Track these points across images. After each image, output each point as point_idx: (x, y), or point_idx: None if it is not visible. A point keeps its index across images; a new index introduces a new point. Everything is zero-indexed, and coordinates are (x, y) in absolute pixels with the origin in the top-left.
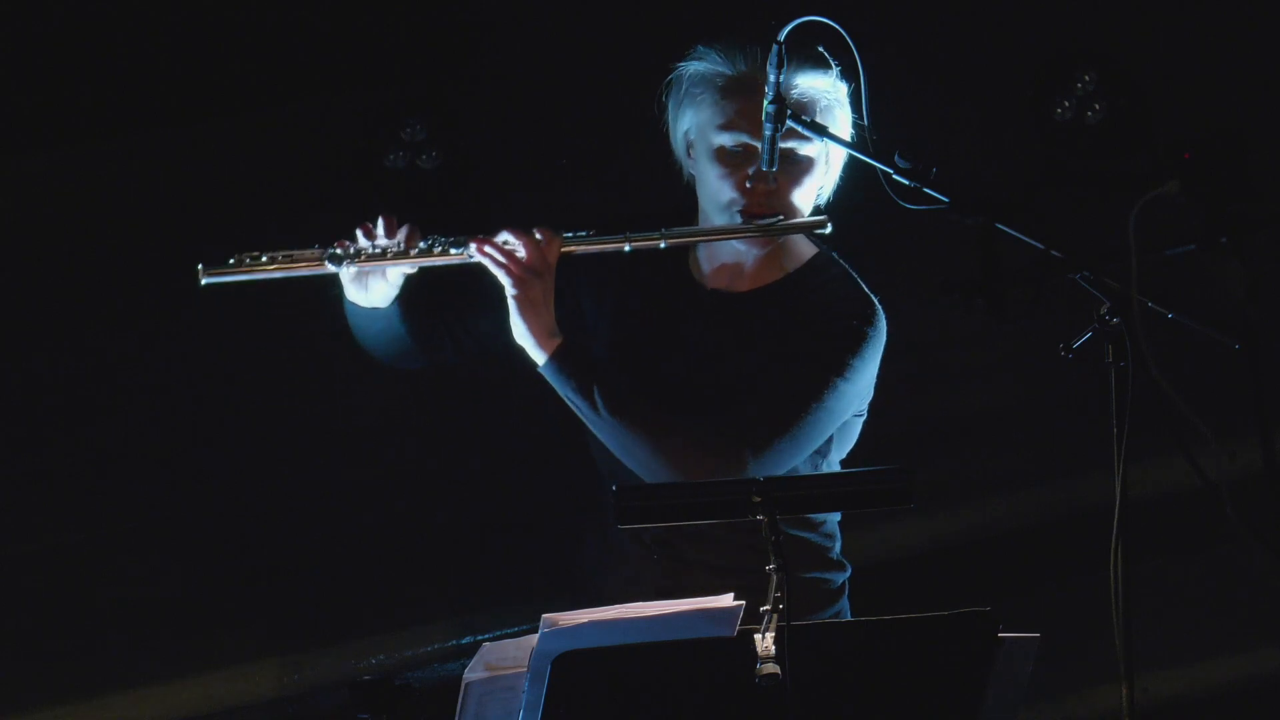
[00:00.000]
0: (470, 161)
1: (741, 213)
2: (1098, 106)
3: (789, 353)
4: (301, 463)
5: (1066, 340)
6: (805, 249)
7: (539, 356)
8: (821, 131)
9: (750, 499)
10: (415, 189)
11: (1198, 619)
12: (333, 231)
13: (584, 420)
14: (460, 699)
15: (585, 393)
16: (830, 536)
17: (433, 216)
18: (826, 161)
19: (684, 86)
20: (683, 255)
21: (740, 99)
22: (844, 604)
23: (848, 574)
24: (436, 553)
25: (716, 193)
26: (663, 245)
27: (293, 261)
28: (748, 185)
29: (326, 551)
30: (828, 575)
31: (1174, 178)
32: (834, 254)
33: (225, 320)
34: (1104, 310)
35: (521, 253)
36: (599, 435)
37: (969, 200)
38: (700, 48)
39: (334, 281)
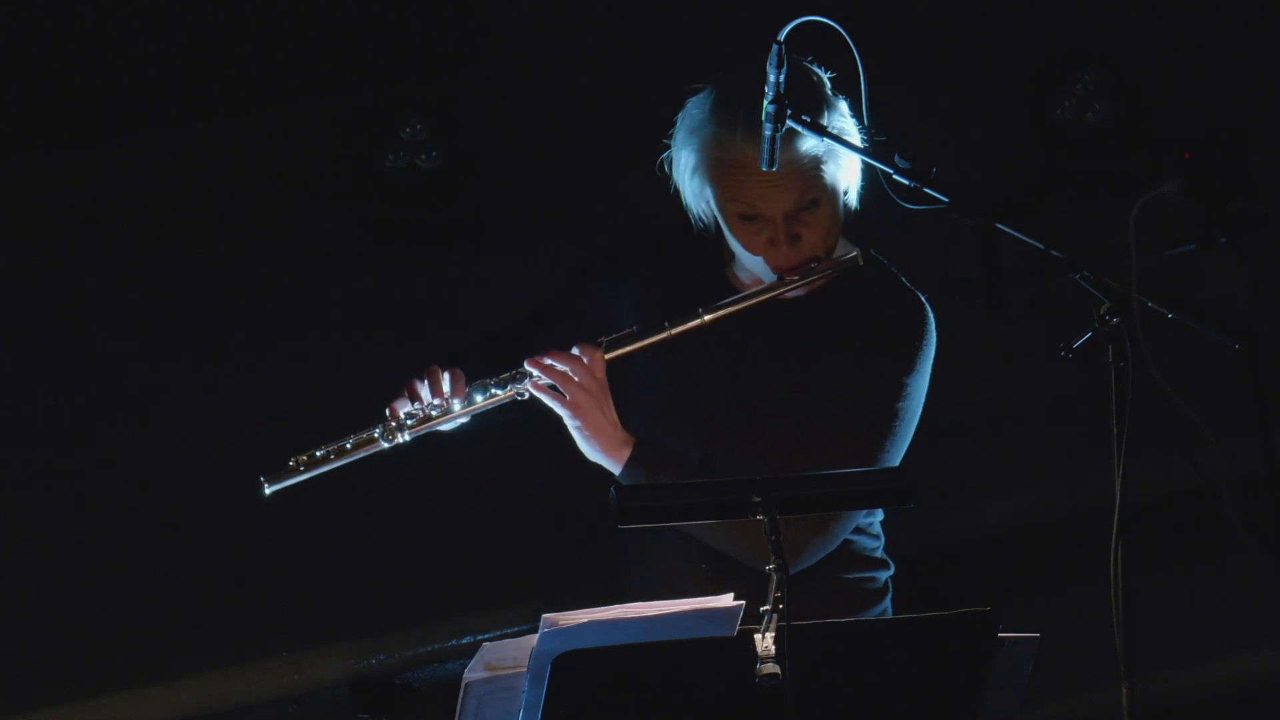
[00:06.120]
0: (470, 161)
1: (774, 271)
2: (1098, 106)
3: (844, 389)
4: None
5: (1066, 340)
6: (842, 249)
7: (614, 468)
8: (821, 131)
9: (750, 499)
10: (415, 189)
11: (1197, 619)
12: (333, 232)
13: None
14: (460, 699)
15: None
16: (877, 536)
17: (433, 217)
18: (837, 178)
19: (684, 164)
20: (723, 270)
21: (739, 178)
22: (887, 604)
23: (891, 571)
24: (436, 553)
25: (745, 253)
26: (707, 318)
27: (349, 450)
28: (771, 247)
29: (327, 551)
30: (873, 574)
31: (1174, 178)
32: (871, 250)
33: (225, 319)
34: (1104, 310)
35: (571, 373)
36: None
37: (969, 200)
38: (692, 112)
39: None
